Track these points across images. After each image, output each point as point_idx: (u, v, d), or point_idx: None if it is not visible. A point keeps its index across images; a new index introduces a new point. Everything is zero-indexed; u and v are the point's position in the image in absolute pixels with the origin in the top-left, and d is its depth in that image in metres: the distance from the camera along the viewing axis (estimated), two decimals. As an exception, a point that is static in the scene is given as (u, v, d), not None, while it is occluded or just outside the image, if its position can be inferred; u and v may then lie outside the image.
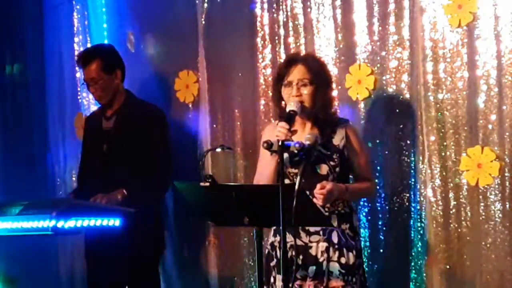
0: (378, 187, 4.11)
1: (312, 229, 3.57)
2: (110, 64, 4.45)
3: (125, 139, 4.40)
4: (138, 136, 4.38)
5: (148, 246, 4.37)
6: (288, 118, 3.40)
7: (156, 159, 4.36)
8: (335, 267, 3.55)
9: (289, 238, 3.49)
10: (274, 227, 3.65)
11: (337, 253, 3.56)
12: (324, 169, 3.58)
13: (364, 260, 3.78)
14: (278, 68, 3.75)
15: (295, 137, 3.41)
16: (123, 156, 4.37)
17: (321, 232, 3.58)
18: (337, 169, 3.59)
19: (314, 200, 3.40)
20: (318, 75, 3.61)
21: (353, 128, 3.76)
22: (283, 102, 3.63)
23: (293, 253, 3.53)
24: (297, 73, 3.59)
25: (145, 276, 4.40)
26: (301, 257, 3.56)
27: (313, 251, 3.57)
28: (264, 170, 3.60)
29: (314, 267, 3.55)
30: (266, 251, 3.71)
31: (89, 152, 4.60)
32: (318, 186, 3.44)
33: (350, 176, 3.76)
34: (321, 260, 3.56)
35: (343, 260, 3.56)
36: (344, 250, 3.57)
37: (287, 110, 3.48)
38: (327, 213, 3.55)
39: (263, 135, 3.77)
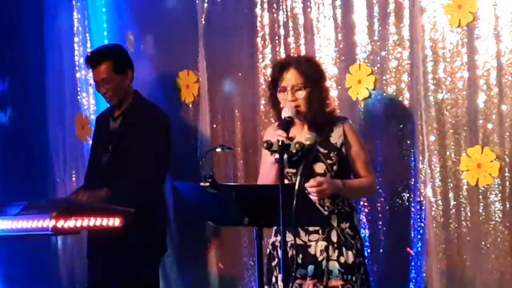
0: (378, 187, 4.11)
1: (311, 227, 3.57)
2: (121, 65, 4.43)
3: (128, 140, 4.39)
4: (138, 137, 4.37)
5: (150, 246, 4.36)
6: (285, 125, 3.38)
7: (147, 159, 4.30)
8: (334, 266, 3.55)
9: (289, 237, 3.49)
10: (275, 227, 3.65)
11: (336, 252, 3.56)
12: (320, 167, 3.57)
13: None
14: (271, 73, 3.74)
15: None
16: (126, 157, 4.36)
17: (320, 231, 3.58)
18: (335, 167, 3.58)
19: (311, 196, 3.39)
20: (311, 78, 3.59)
21: (351, 125, 3.74)
22: (280, 105, 3.63)
23: (294, 252, 3.54)
24: (291, 78, 3.57)
25: (145, 276, 4.39)
26: (300, 256, 3.56)
27: (312, 250, 3.57)
28: (266, 178, 3.61)
29: (313, 266, 3.55)
30: (268, 250, 3.71)
31: (96, 152, 4.60)
32: (311, 180, 3.43)
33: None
34: (320, 259, 3.56)
35: (342, 259, 3.56)
36: (343, 249, 3.57)
37: (282, 116, 3.46)
38: (327, 212, 3.55)
39: (264, 137, 3.76)
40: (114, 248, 4.17)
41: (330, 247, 3.56)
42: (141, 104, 4.52)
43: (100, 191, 4.19)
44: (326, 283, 3.53)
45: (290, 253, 3.53)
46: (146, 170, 4.28)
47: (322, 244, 3.57)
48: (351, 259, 3.57)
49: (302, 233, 3.59)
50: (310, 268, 3.56)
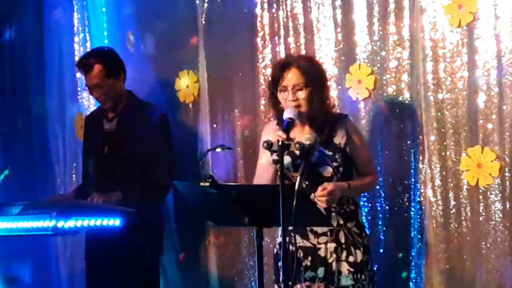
0: (378, 187, 4.12)
1: (320, 230, 3.57)
2: (113, 68, 4.41)
3: (126, 142, 4.38)
4: (140, 138, 4.35)
5: (148, 246, 4.36)
6: (286, 127, 3.33)
7: (159, 162, 4.33)
8: (344, 266, 3.56)
9: (298, 239, 3.51)
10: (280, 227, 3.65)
11: (345, 252, 3.57)
12: (328, 171, 3.57)
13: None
14: (272, 72, 3.73)
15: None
16: (124, 158, 4.35)
17: (328, 233, 3.58)
18: (341, 169, 3.59)
19: (319, 203, 3.39)
20: (312, 77, 3.58)
21: (352, 123, 3.76)
22: (280, 105, 3.62)
23: (301, 254, 3.54)
24: (292, 77, 3.56)
25: (145, 276, 4.39)
26: (309, 258, 3.57)
27: (322, 253, 3.57)
28: (263, 175, 3.61)
29: (323, 268, 3.56)
30: (275, 250, 3.72)
31: (90, 153, 4.58)
32: (319, 189, 3.43)
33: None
34: (330, 261, 3.56)
35: (351, 258, 3.57)
36: (352, 248, 3.58)
37: (284, 117, 3.42)
38: (333, 213, 3.55)
39: (262, 134, 3.76)
40: (112, 248, 4.16)
41: (339, 248, 3.57)
42: (137, 105, 4.51)
43: (112, 195, 4.18)
44: (337, 284, 3.54)
45: (297, 255, 3.53)
46: (163, 173, 4.29)
47: (331, 246, 3.57)
48: (359, 257, 3.58)
49: (311, 236, 3.59)
50: (320, 270, 3.56)
